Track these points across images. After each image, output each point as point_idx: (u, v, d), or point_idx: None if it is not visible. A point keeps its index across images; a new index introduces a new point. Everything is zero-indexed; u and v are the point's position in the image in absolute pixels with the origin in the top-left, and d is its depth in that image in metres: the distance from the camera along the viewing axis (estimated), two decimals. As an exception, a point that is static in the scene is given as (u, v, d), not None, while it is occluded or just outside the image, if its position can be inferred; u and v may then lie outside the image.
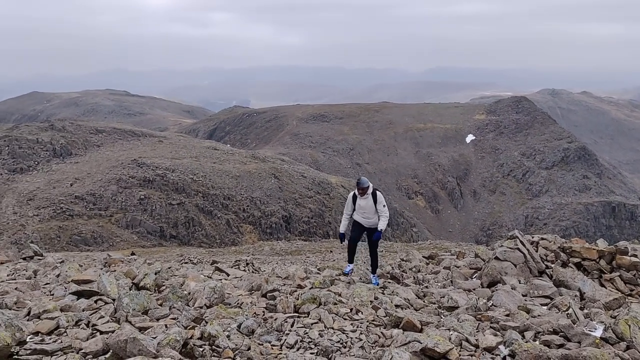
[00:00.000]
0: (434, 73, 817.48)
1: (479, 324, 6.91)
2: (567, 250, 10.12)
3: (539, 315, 7.06)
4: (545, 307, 7.72)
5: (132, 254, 23.22)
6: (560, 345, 5.99)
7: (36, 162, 60.50)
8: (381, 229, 10.11)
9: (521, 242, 10.19)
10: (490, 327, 6.77)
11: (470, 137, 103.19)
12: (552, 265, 9.79)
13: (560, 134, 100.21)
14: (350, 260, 10.76)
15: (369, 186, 9.91)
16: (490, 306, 7.76)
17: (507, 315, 7.16)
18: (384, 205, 10.07)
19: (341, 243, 11.33)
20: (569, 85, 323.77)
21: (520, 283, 9.16)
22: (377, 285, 9.89)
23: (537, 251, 10.39)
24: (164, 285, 8.47)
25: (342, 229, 10.56)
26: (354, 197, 10.20)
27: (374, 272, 10.60)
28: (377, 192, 10.09)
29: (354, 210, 10.26)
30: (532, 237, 11.23)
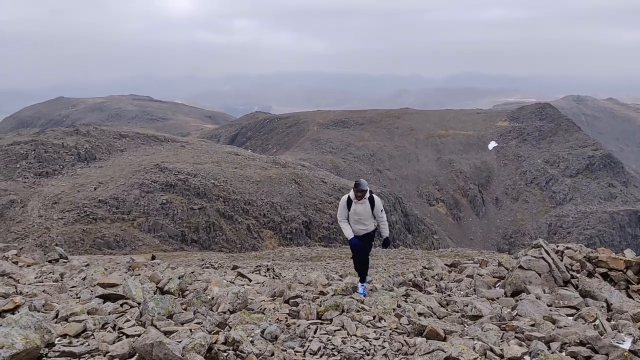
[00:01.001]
0: (456, 79, 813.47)
1: (503, 333, 6.84)
2: (593, 260, 9.97)
3: (565, 326, 6.96)
4: (571, 318, 7.60)
5: (153, 257, 23.44)
6: (588, 358, 5.89)
7: (61, 166, 61.47)
8: (386, 236, 9.59)
9: (546, 251, 10.06)
10: (515, 337, 6.70)
11: (492, 144, 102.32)
12: (578, 275, 9.65)
13: (585, 141, 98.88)
14: (363, 279, 9.57)
15: (367, 190, 9.17)
16: (515, 316, 7.67)
17: (532, 325, 7.06)
18: (382, 210, 9.35)
19: (358, 251, 9.66)
20: (594, 91, 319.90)
21: (545, 293, 9.04)
22: (364, 295, 9.07)
23: (562, 260, 10.25)
24: (187, 290, 8.54)
25: (349, 234, 9.39)
26: (349, 202, 9.27)
27: (362, 279, 9.58)
28: (374, 196, 9.35)
29: (347, 216, 9.36)
30: (557, 246, 11.09)
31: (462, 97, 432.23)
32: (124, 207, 52.49)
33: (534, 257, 9.93)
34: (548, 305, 8.20)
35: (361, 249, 9.49)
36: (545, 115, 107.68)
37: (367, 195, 9.16)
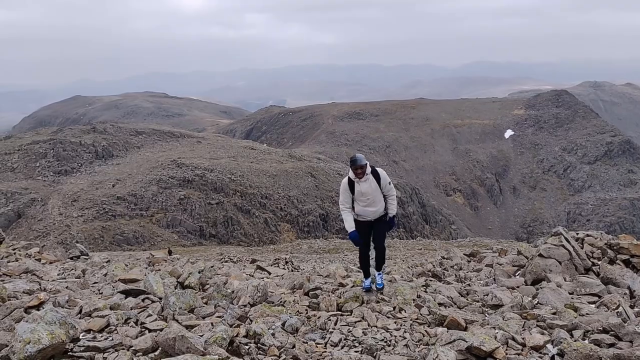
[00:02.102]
0: (470, 68, 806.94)
1: (524, 322, 6.80)
2: (615, 247, 9.85)
3: (587, 314, 6.90)
4: (593, 306, 7.53)
5: (169, 252, 23.61)
6: (611, 345, 5.84)
7: (79, 164, 62.12)
8: (393, 214, 8.16)
9: (566, 238, 9.97)
10: (537, 325, 6.65)
11: (509, 133, 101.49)
12: (599, 263, 9.56)
13: (603, 127, 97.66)
14: (367, 275, 8.48)
15: (366, 164, 7.88)
16: (536, 304, 7.62)
17: (554, 313, 7.01)
18: (389, 183, 8.09)
19: (357, 246, 8.53)
20: (611, 77, 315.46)
21: (565, 281, 8.97)
22: (382, 286, 8.29)
23: (582, 248, 10.15)
24: (207, 284, 8.60)
25: (351, 226, 8.07)
26: (350, 184, 7.98)
27: (379, 268, 8.51)
28: (377, 169, 8.11)
29: (353, 200, 8.07)
30: (577, 234, 10.98)
31: (476, 86, 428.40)
32: (142, 203, 52.95)
33: (554, 245, 9.85)
34: (569, 293, 8.14)
35: (367, 240, 8.28)
36: (562, 102, 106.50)
37: (369, 170, 7.92)
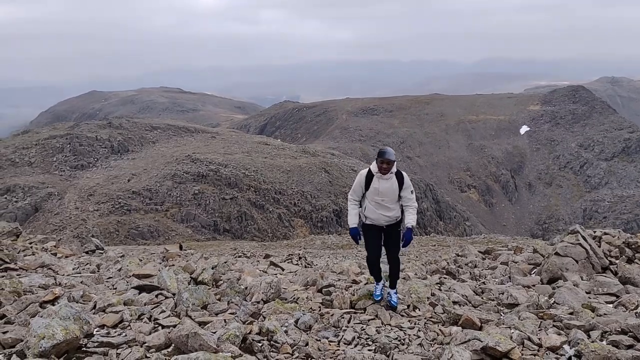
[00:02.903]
0: (486, 64, 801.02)
1: (541, 322, 6.70)
2: (633, 246, 9.71)
3: (605, 314, 6.78)
4: (611, 306, 7.41)
5: (180, 247, 23.75)
6: (630, 346, 5.74)
7: (95, 159, 62.68)
8: (411, 225, 7.03)
9: (583, 237, 9.83)
10: (553, 325, 6.55)
11: (524, 129, 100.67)
12: (617, 262, 9.42)
13: (620, 123, 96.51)
14: (378, 278, 7.51)
15: (394, 161, 6.97)
16: (552, 304, 7.51)
17: (571, 313, 6.90)
18: (412, 192, 7.09)
19: (357, 244, 7.70)
20: (629, 72, 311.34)
21: (582, 280, 8.85)
22: (396, 305, 7.28)
23: (599, 246, 10.01)
24: (221, 280, 8.60)
25: (353, 221, 7.15)
26: (369, 177, 7.04)
27: (393, 285, 7.47)
28: (403, 173, 7.15)
29: (364, 196, 7.15)
30: (594, 232, 10.83)
31: (492, 81, 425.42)
32: (157, 198, 53.29)
33: (571, 243, 9.72)
34: (586, 293, 8.02)
35: (375, 248, 7.23)
36: (579, 98, 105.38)
37: (394, 169, 7.01)
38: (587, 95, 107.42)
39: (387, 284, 7.56)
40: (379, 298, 7.31)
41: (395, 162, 7.04)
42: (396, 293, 7.49)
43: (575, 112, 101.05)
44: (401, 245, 7.21)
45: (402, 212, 7.16)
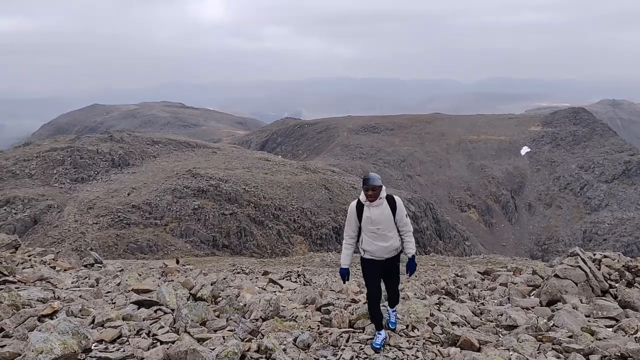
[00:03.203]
0: (487, 84, 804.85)
1: (540, 344, 6.69)
2: (633, 269, 9.70)
3: (604, 338, 6.77)
4: (610, 330, 7.40)
5: (177, 262, 23.68)
6: (629, 371, 5.74)
7: (96, 172, 62.74)
8: (412, 253, 6.73)
9: (582, 259, 9.82)
10: (553, 348, 6.54)
11: (525, 149, 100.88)
12: (617, 285, 9.40)
13: (621, 146, 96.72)
14: (379, 326, 6.81)
15: (381, 186, 6.51)
16: (552, 326, 7.49)
17: (570, 336, 6.89)
18: (406, 215, 6.69)
19: (344, 283, 7.43)
20: (630, 95, 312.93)
21: (582, 303, 8.83)
22: (394, 326, 7.15)
23: (599, 269, 9.99)
24: (220, 297, 8.59)
25: (345, 261, 6.86)
26: (359, 207, 6.64)
27: (392, 305, 7.25)
28: (395, 196, 6.69)
29: (360, 228, 6.71)
30: (594, 255, 10.82)
31: (493, 102, 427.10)
32: (157, 212, 53.25)
33: (570, 265, 9.71)
34: (586, 316, 8.00)
35: (377, 283, 6.80)
36: (580, 120, 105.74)
37: (383, 194, 6.58)
38: (588, 117, 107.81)
39: (386, 304, 7.32)
40: (379, 346, 6.56)
41: (384, 187, 6.60)
42: (395, 312, 7.27)
43: (576, 133, 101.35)
44: (407, 274, 6.94)
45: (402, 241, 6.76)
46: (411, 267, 6.80)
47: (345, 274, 6.83)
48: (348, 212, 6.76)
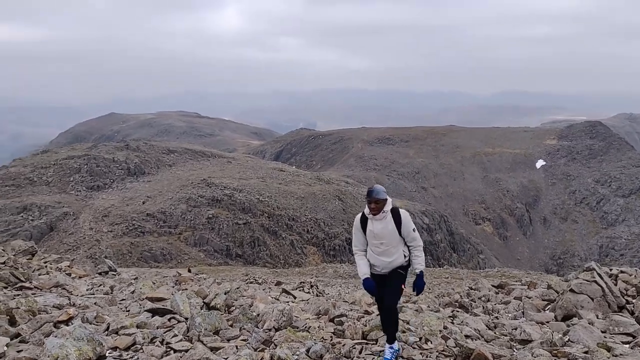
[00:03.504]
0: (502, 97, 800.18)
1: (554, 360, 6.63)
2: (650, 285, 9.59)
3: (621, 355, 6.69)
4: (627, 346, 7.30)
5: (189, 270, 23.78)
6: (645, 388, 5.66)
7: (112, 180, 63.26)
8: (421, 269, 6.43)
9: (599, 274, 9.74)
10: (568, 364, 6.48)
11: (540, 163, 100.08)
12: (634, 301, 9.30)
13: (638, 160, 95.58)
14: (391, 339, 6.55)
15: (386, 199, 6.29)
16: (567, 341, 7.42)
17: (586, 352, 6.81)
18: (413, 230, 6.37)
19: (372, 296, 7.16)
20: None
21: (598, 318, 8.73)
22: None
23: (616, 285, 9.89)
24: (233, 306, 8.62)
25: (363, 272, 6.48)
26: (363, 221, 6.50)
27: (390, 340, 6.52)
28: (400, 210, 6.40)
29: (367, 243, 6.50)
30: (611, 270, 10.72)
31: (508, 114, 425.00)
32: (171, 221, 53.49)
33: (586, 280, 9.63)
34: (602, 332, 7.91)
35: (380, 296, 6.50)
36: (596, 134, 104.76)
37: (388, 207, 6.33)
38: (604, 131, 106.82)
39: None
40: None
41: (389, 200, 6.33)
42: (392, 349, 6.51)
43: (592, 147, 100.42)
44: (414, 293, 6.53)
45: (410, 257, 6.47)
46: (419, 285, 6.40)
47: (372, 286, 6.39)
48: (354, 225, 6.63)
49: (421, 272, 6.40)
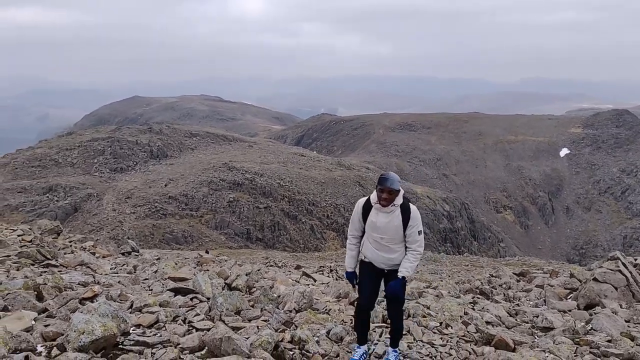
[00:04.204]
0: (525, 84, 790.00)
1: (577, 348, 6.57)
2: (676, 276, 9.44)
3: (644, 344, 6.63)
4: (651, 335, 7.22)
5: (207, 252, 24.08)
6: (669, 378, 5.60)
7: (135, 162, 63.99)
8: (404, 276, 5.63)
9: (623, 263, 9.61)
10: (590, 352, 6.42)
11: (564, 151, 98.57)
12: (658, 291, 9.17)
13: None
14: (362, 340, 6.02)
15: (399, 190, 5.48)
16: (589, 330, 7.35)
17: (609, 341, 6.75)
18: (420, 232, 5.61)
19: (353, 287, 6.24)
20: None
21: (621, 308, 8.63)
22: None
23: (640, 275, 9.76)
24: (254, 287, 8.69)
25: (350, 264, 5.98)
26: (366, 208, 5.72)
27: (394, 344, 6.05)
28: (411, 205, 5.60)
29: (364, 231, 5.82)
30: (636, 260, 10.58)
31: (532, 102, 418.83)
32: (193, 203, 53.98)
33: (610, 269, 9.51)
34: (626, 321, 7.83)
35: (370, 293, 5.84)
36: (623, 122, 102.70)
37: (399, 200, 5.55)
38: (631, 119, 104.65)
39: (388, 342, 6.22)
40: None
41: (402, 192, 5.56)
42: (397, 352, 6.06)
43: (618, 136, 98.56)
44: (386, 293, 5.86)
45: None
46: (394, 288, 5.64)
47: (352, 277, 5.94)
48: (354, 210, 5.85)
49: (404, 277, 5.63)
